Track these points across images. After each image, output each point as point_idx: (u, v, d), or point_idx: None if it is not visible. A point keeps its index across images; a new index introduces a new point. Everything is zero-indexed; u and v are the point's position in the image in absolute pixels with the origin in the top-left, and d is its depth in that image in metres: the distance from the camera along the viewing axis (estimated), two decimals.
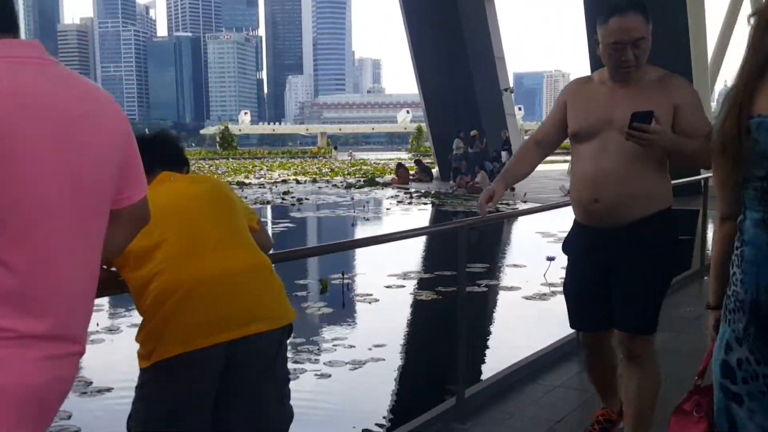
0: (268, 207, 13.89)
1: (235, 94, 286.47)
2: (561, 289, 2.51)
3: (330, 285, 6.05)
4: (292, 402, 1.69)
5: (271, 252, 1.93)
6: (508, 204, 12.18)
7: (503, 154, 17.62)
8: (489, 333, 4.91)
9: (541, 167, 2.79)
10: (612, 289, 2.14)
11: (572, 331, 3.45)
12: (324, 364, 3.97)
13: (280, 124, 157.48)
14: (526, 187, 13.20)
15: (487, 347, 4.48)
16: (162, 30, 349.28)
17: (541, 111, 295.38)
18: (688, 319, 4.30)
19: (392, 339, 4.59)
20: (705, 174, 7.54)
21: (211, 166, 36.75)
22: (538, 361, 3.35)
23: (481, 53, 19.53)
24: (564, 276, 2.37)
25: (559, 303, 2.54)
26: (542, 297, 5.60)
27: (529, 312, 5.26)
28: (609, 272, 2.13)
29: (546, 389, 3.06)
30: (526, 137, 2.82)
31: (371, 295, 5.87)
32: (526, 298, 5.62)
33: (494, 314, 5.58)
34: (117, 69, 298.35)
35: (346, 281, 6.19)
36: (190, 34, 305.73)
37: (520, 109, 55.94)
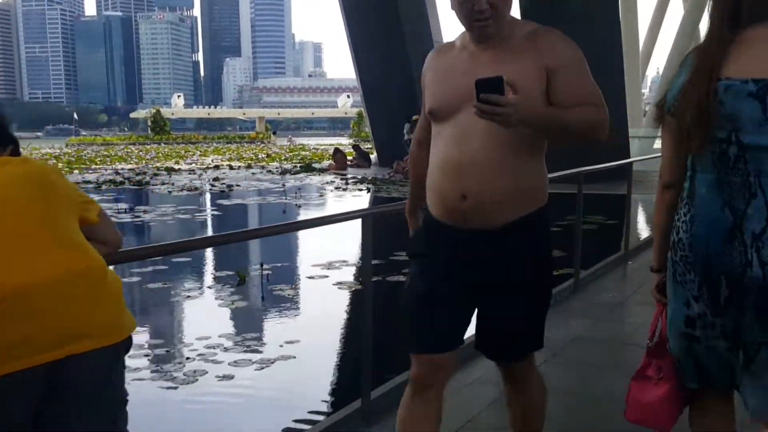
0: (200, 194, 13.32)
1: (170, 76, 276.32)
2: None
3: (249, 277, 5.73)
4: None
5: (122, 248, 1.64)
6: None
7: None
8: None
9: None
10: (480, 307, 1.74)
11: None
12: (228, 364, 3.68)
13: (216, 108, 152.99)
14: None
15: (402, 343, 4.29)
16: (90, 9, 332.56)
17: None
18: (609, 306, 4.25)
19: (307, 334, 4.33)
20: (632, 158, 7.63)
21: (140, 151, 35.27)
22: None
23: (419, 38, 19.35)
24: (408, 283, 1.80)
25: None
26: None
27: None
28: (475, 287, 1.70)
29: (461, 385, 2.91)
30: None
31: (291, 286, 5.60)
32: None
33: None
34: (42, 50, 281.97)
35: (266, 272, 5.87)
36: (120, 14, 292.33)
37: None
